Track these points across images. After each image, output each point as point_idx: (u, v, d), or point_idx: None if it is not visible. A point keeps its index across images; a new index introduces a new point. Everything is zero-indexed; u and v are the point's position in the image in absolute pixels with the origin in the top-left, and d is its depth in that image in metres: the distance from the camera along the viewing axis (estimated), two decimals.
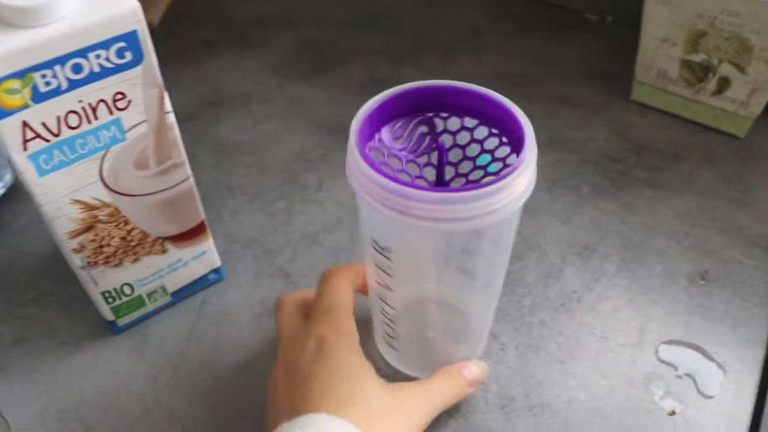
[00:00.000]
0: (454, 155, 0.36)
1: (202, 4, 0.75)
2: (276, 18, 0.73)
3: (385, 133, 0.35)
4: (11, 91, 0.32)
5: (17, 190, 0.56)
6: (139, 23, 0.34)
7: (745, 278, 0.49)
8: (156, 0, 0.71)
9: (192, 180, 0.41)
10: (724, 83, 0.56)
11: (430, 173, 0.36)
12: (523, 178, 0.30)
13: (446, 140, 0.35)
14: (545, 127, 0.60)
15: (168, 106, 0.37)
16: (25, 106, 0.33)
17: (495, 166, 0.35)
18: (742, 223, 0.52)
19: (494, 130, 0.34)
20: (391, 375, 0.43)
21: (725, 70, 0.55)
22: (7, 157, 0.55)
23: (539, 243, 0.51)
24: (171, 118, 0.38)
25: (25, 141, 0.34)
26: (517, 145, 0.32)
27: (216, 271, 0.48)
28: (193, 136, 0.58)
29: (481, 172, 0.36)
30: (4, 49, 0.31)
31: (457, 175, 0.36)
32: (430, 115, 0.35)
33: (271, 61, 0.67)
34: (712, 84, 0.57)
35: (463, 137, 0.35)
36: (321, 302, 0.38)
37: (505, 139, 0.34)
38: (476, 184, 0.31)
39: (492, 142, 0.35)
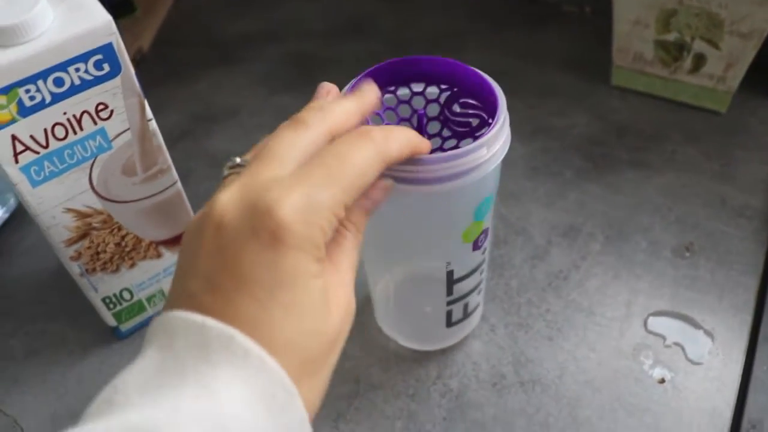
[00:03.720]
0: (432, 127, 0.38)
1: (189, 27, 0.77)
2: (260, 34, 0.75)
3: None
4: None
5: (22, 213, 0.58)
6: (113, 36, 0.36)
7: (730, 248, 0.49)
8: (145, 26, 0.74)
9: (179, 184, 0.43)
10: (699, 60, 0.57)
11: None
12: (499, 137, 0.33)
13: (426, 110, 0.37)
14: (528, 118, 0.61)
15: (149, 113, 0.39)
16: (13, 121, 0.35)
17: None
18: (726, 195, 0.53)
19: (470, 100, 0.36)
20: (395, 349, 0.45)
21: (699, 46, 0.56)
22: (8, 181, 0.58)
23: (524, 227, 0.52)
24: (153, 125, 0.40)
25: (16, 154, 0.36)
26: (491, 112, 0.34)
27: None
28: (188, 151, 0.60)
29: (454, 141, 0.37)
30: None
31: (430, 136, 0.38)
32: (411, 85, 0.37)
33: (257, 75, 0.69)
34: (687, 62, 0.58)
35: (431, 106, 0.37)
36: (330, 167, 0.26)
37: (455, 89, 0.36)
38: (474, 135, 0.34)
39: (446, 95, 0.37)
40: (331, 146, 0.27)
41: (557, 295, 0.47)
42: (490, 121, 0.33)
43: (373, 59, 0.63)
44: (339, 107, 0.29)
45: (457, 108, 0.36)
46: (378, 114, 0.37)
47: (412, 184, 0.32)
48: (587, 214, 0.53)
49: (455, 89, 0.36)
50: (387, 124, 0.37)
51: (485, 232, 0.38)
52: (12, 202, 0.58)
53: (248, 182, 0.26)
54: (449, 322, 0.43)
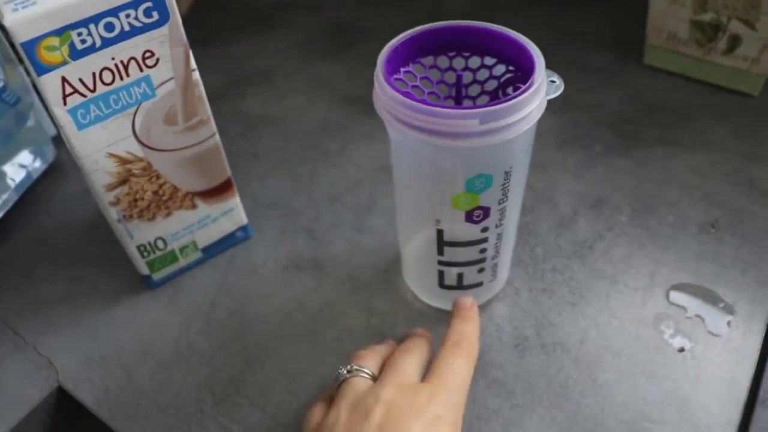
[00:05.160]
0: (473, 90, 0.39)
1: None
2: (297, 2, 0.76)
3: (409, 68, 0.38)
4: (51, 48, 0.35)
5: (58, 165, 0.60)
6: None
7: (756, 226, 0.50)
8: None
9: (217, 137, 0.44)
10: (734, 41, 0.57)
11: (450, 104, 0.40)
12: (536, 97, 0.33)
13: (466, 77, 0.39)
14: None
15: (193, 63, 0.40)
16: (64, 63, 0.36)
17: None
18: (754, 175, 0.53)
19: (510, 67, 0.37)
20: (420, 308, 0.46)
21: (735, 27, 0.56)
22: (48, 136, 0.59)
23: (551, 196, 0.53)
24: (196, 75, 0.41)
25: (65, 96, 0.37)
26: (529, 77, 0.35)
27: (243, 229, 0.50)
28: (222, 111, 0.61)
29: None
30: (44, 9, 0.34)
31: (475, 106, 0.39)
32: (452, 52, 0.38)
33: (294, 41, 0.70)
34: (722, 43, 0.58)
35: (482, 74, 0.39)
36: (447, 377, 0.36)
37: (519, 74, 0.37)
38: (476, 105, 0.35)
39: (507, 77, 0.38)
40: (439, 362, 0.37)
41: (582, 263, 0.48)
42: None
43: (408, 28, 0.64)
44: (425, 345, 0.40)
45: (510, 91, 0.37)
46: (417, 86, 0.38)
47: (401, 125, 0.34)
48: (615, 187, 0.53)
49: (517, 73, 0.37)
50: (430, 93, 0.39)
51: (484, 209, 0.38)
52: (49, 155, 0.59)
53: (398, 383, 0.35)
54: (441, 283, 0.44)
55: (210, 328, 0.46)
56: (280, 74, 0.66)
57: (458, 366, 0.36)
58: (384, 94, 0.34)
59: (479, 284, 0.44)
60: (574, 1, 0.72)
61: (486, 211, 0.38)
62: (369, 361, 0.37)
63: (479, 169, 0.36)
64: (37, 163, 0.58)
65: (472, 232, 0.39)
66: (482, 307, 0.46)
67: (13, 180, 0.55)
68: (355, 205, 0.53)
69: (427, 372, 0.36)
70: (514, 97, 0.33)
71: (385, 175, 0.55)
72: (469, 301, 0.41)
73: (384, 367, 0.37)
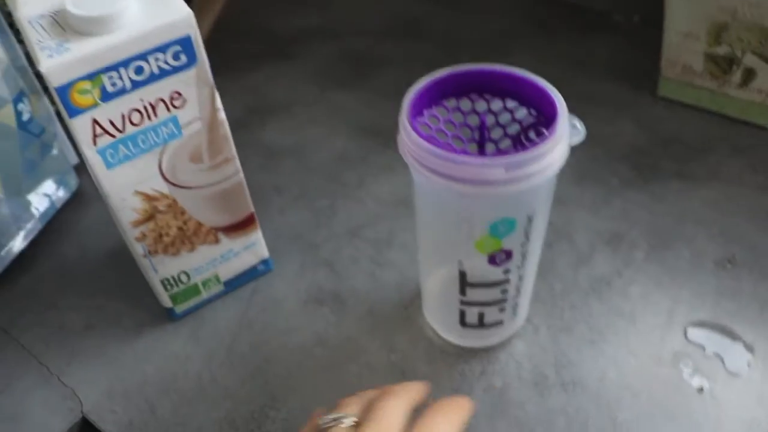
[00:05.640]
0: (495, 133, 0.40)
1: (244, 20, 0.79)
2: (315, 31, 0.77)
3: (432, 111, 0.39)
4: (83, 92, 0.36)
5: (80, 194, 0.61)
6: (192, 28, 0.38)
7: None
8: (202, 16, 0.76)
9: (241, 174, 0.45)
10: (749, 75, 0.58)
11: (473, 149, 0.40)
12: (559, 145, 0.34)
13: (489, 120, 0.39)
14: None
15: (219, 103, 0.41)
16: (95, 105, 0.37)
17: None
18: None
19: (532, 111, 0.38)
20: (440, 345, 0.47)
21: (750, 61, 0.57)
22: (71, 164, 0.60)
23: (569, 232, 0.53)
24: (222, 115, 0.42)
25: (95, 137, 0.38)
26: (551, 122, 0.35)
27: (265, 262, 0.51)
28: (242, 141, 0.61)
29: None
30: (77, 55, 0.35)
31: (498, 151, 0.40)
32: (474, 95, 0.39)
33: (312, 70, 0.71)
34: (737, 76, 0.58)
35: (504, 117, 0.39)
36: None
37: (541, 118, 0.38)
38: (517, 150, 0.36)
39: (529, 122, 0.39)
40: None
41: (600, 300, 0.48)
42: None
43: (425, 60, 0.65)
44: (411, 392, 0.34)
45: (533, 135, 0.38)
46: (441, 130, 0.39)
47: (426, 170, 0.34)
48: (632, 222, 0.53)
49: (539, 117, 0.38)
50: (454, 136, 0.39)
51: (506, 252, 0.38)
52: (72, 184, 0.60)
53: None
54: (462, 322, 0.44)
55: (232, 362, 0.47)
56: (298, 104, 0.67)
57: (448, 426, 0.32)
58: (409, 140, 0.35)
59: (500, 323, 0.44)
60: (585, 29, 0.73)
61: (508, 254, 0.39)
62: (353, 408, 0.33)
63: (503, 214, 0.36)
64: (61, 192, 0.59)
65: (495, 273, 0.40)
66: (502, 345, 0.46)
67: (37, 209, 0.56)
68: (375, 239, 0.53)
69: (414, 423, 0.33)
70: (538, 146, 0.33)
71: (404, 208, 0.56)
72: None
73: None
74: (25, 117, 0.54)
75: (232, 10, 0.80)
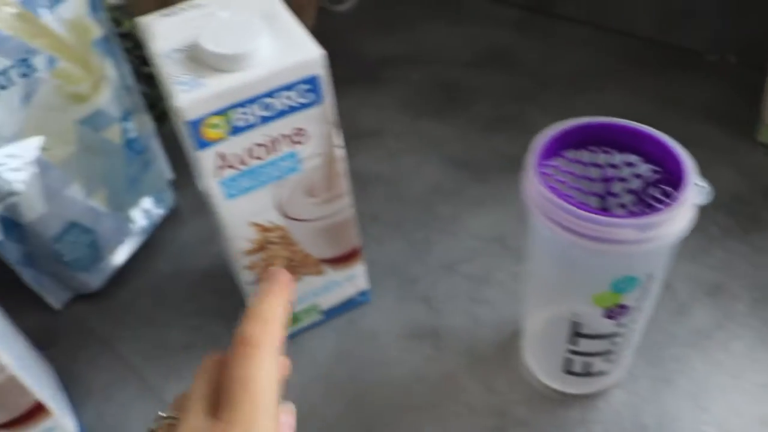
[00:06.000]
0: (616, 187, 0.39)
1: (332, 44, 0.80)
2: (403, 57, 0.77)
3: (554, 161, 0.38)
4: (213, 126, 0.37)
5: (176, 211, 0.62)
6: (321, 68, 0.38)
7: None
8: None
9: (352, 208, 0.45)
10: None
11: (593, 201, 0.40)
12: (689, 206, 0.34)
13: (611, 173, 0.39)
14: None
15: (338, 141, 0.42)
16: (223, 139, 0.38)
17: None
18: None
19: (655, 167, 0.37)
20: (539, 389, 0.46)
21: None
22: (168, 179, 0.61)
23: (668, 280, 0.52)
24: (340, 151, 0.42)
25: (219, 169, 0.39)
26: (676, 180, 0.35)
27: (363, 293, 0.51)
28: None
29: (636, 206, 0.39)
30: (211, 91, 0.36)
31: (619, 206, 0.40)
32: (593, 147, 0.39)
33: (401, 97, 0.72)
34: None
35: (626, 171, 0.39)
36: (240, 403, 0.28)
37: (665, 175, 0.37)
38: (641, 212, 0.36)
39: (652, 178, 0.38)
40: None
41: (701, 353, 0.47)
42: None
43: (515, 92, 0.65)
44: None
45: (655, 192, 0.37)
46: (562, 181, 0.38)
47: (553, 224, 0.34)
48: (733, 273, 0.52)
49: (662, 174, 0.37)
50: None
51: (624, 307, 0.38)
52: (169, 200, 0.61)
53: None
54: (567, 370, 0.44)
55: (330, 393, 0.47)
56: (389, 132, 0.67)
57: (253, 378, 0.29)
58: (537, 191, 0.35)
59: (605, 373, 0.44)
60: (679, 68, 0.72)
61: (625, 308, 0.38)
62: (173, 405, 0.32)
63: (626, 272, 0.36)
64: (159, 209, 0.60)
65: (608, 326, 0.39)
66: (602, 393, 0.46)
67: (137, 225, 0.58)
68: (471, 276, 0.53)
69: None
70: (670, 208, 0.33)
71: (499, 246, 0.55)
72: (275, 269, 0.34)
73: None
74: (131, 135, 0.55)
75: (318, 34, 0.81)
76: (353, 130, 0.68)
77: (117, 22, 0.61)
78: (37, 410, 0.42)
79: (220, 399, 0.29)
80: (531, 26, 0.80)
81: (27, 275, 0.52)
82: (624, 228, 0.33)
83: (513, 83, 0.72)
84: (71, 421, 0.46)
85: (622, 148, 0.39)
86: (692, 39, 0.73)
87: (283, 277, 0.34)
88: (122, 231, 0.56)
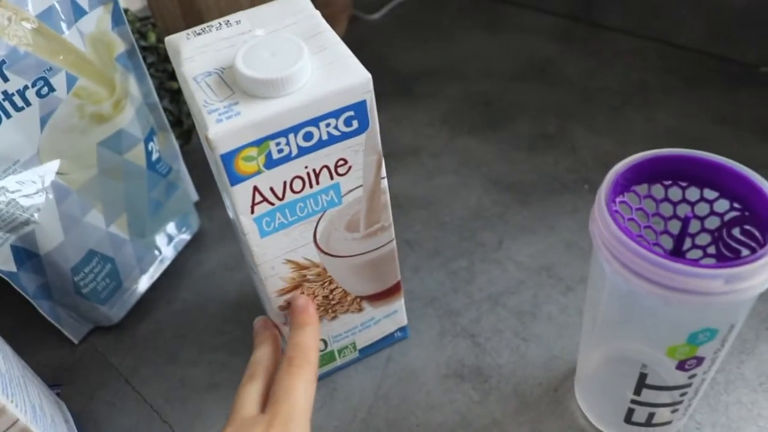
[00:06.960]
0: (692, 227, 0.36)
1: (365, 56, 0.76)
2: (440, 70, 0.74)
3: (624, 197, 0.35)
4: (248, 159, 0.33)
5: (201, 236, 0.58)
6: (369, 93, 0.35)
7: None
8: None
9: (394, 242, 0.42)
10: None
11: (666, 241, 0.36)
12: (747, 276, 0.30)
13: (685, 210, 0.35)
14: None
15: (383, 171, 0.38)
16: (258, 173, 0.34)
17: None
18: None
19: (736, 205, 0.33)
20: (586, 428, 0.43)
21: None
22: (192, 201, 0.58)
23: None
24: (385, 183, 0.38)
25: (253, 204, 0.35)
26: (761, 220, 0.31)
27: (401, 329, 0.48)
28: None
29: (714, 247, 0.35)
30: (247, 120, 0.32)
31: (694, 246, 0.36)
32: (667, 181, 0.35)
33: (438, 113, 0.68)
34: None
35: (702, 208, 0.35)
36: (283, 404, 0.34)
37: (746, 213, 0.33)
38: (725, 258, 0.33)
39: (731, 215, 0.34)
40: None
41: None
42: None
43: (559, 109, 0.61)
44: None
45: (737, 232, 0.34)
46: (633, 219, 0.35)
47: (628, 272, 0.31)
48: None
49: (744, 213, 0.34)
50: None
51: (698, 359, 0.34)
52: (194, 225, 0.58)
53: (237, 420, 0.34)
54: (628, 419, 0.40)
55: None
56: (425, 150, 0.64)
57: (295, 389, 0.35)
58: (611, 235, 0.31)
59: (668, 423, 0.40)
60: (731, 82, 0.68)
61: (700, 361, 0.35)
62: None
63: (707, 324, 0.32)
64: (183, 234, 0.57)
65: (680, 378, 0.36)
66: None
67: (160, 251, 0.54)
68: (518, 309, 0.50)
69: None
70: (761, 256, 0.29)
71: (546, 275, 0.52)
72: (302, 300, 0.40)
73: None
74: (154, 156, 0.52)
75: (350, 44, 0.78)
76: (387, 149, 0.64)
77: (141, 34, 0.57)
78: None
79: (269, 399, 0.35)
80: (573, 36, 0.76)
81: (43, 308, 0.48)
82: (709, 279, 0.29)
83: (555, 98, 0.68)
84: None
85: (699, 183, 0.35)
86: (745, 50, 0.69)
87: (313, 308, 0.39)
88: (144, 259, 0.53)
